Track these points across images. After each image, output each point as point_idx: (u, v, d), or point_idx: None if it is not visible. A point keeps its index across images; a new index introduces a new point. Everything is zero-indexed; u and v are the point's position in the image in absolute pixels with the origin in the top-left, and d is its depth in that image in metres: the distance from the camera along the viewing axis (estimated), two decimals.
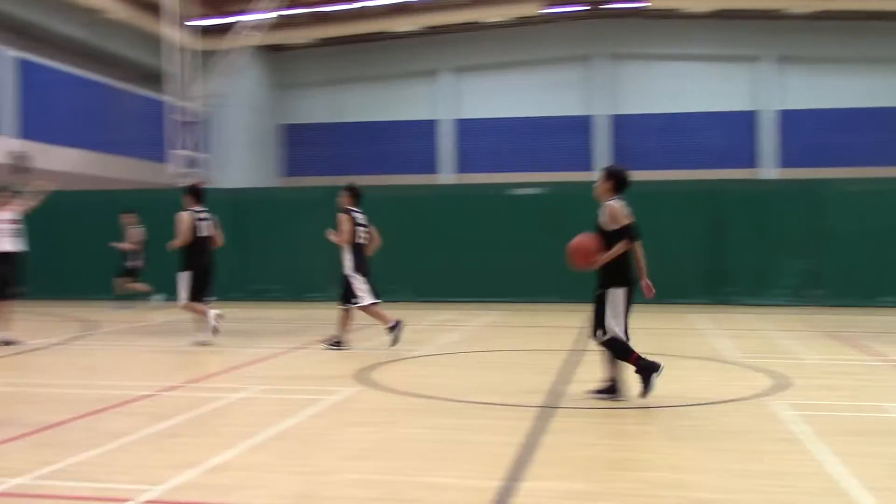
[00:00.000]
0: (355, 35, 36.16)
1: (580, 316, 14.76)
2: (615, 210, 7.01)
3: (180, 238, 10.64)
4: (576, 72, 36.47)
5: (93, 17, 31.13)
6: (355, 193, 10.50)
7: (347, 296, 10.39)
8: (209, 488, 4.70)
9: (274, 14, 31.08)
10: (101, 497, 4.53)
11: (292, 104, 40.09)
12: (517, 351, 10.65)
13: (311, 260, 18.59)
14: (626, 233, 6.95)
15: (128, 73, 35.65)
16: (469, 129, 37.72)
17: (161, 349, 10.78)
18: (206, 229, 10.86)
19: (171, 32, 29.15)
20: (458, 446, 5.68)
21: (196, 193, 10.74)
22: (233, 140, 36.94)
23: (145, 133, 33.07)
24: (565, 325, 13.76)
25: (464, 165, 37.50)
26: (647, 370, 6.90)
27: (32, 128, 28.05)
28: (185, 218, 10.65)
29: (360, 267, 10.35)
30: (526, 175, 32.67)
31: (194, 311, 10.75)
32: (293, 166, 39.68)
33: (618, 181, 7.18)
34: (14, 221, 11.01)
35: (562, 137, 36.87)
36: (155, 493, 4.58)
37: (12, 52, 27.61)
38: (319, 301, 18.12)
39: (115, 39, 33.30)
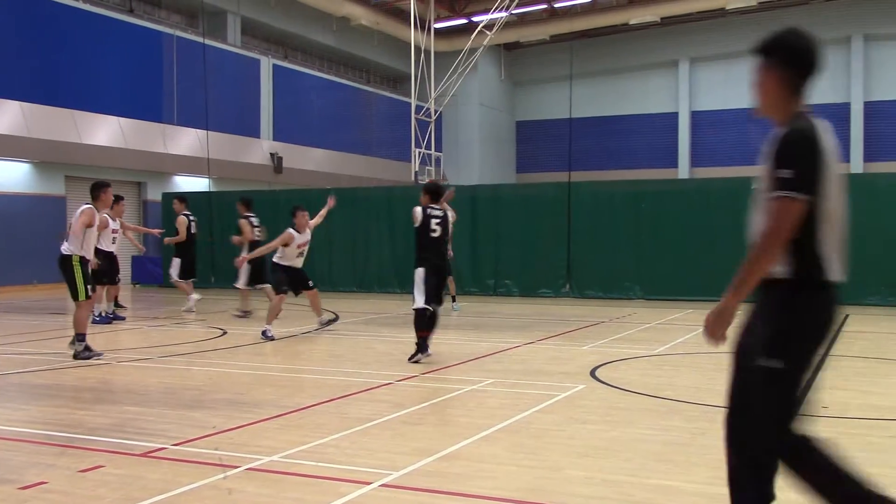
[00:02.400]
0: (589, 30, 35.90)
1: None
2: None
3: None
4: (830, 56, 34.14)
5: (343, 24, 32.98)
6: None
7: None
8: (442, 476, 4.87)
9: (508, 13, 31.46)
10: (344, 478, 4.81)
11: (526, 101, 40.48)
12: None
13: (545, 257, 18.71)
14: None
15: (374, 77, 37.54)
16: (706, 121, 36.34)
17: (399, 340, 11.27)
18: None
19: (413, 36, 30.28)
20: (692, 450, 5.51)
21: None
22: (469, 138, 37.85)
23: (389, 133, 34.64)
24: None
25: (700, 159, 36.20)
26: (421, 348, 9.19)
27: (287, 131, 30.20)
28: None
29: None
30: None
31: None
32: (527, 162, 40.06)
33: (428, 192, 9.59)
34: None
35: None
36: (392, 477, 4.82)
37: (271, 61, 29.87)
38: (552, 298, 18.21)
39: (362, 45, 35.11)
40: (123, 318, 13.93)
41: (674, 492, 4.61)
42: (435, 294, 9.53)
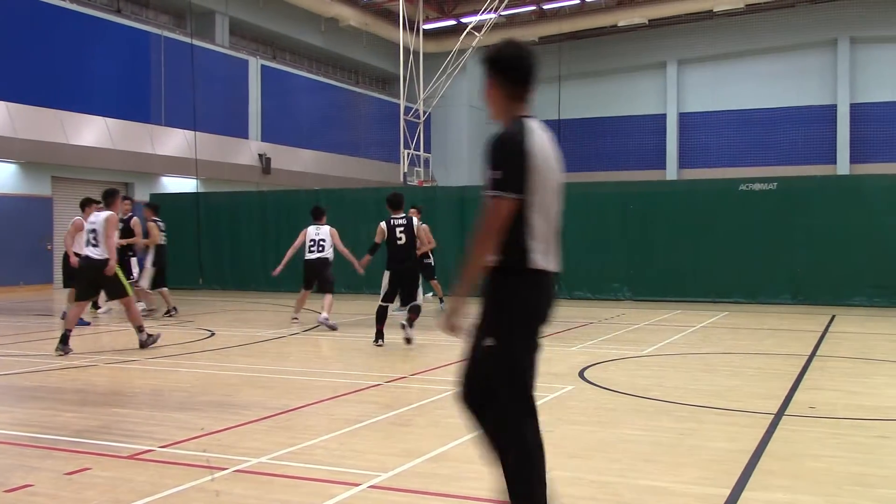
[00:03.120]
0: (577, 31, 35.99)
1: (814, 319, 13.94)
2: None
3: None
4: (816, 58, 34.31)
5: (331, 25, 32.95)
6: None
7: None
8: (430, 477, 4.87)
9: (497, 14, 31.49)
10: (333, 480, 4.80)
11: None
12: (743, 354, 10.19)
13: None
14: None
15: (363, 78, 37.51)
16: (694, 123, 36.50)
17: (388, 341, 11.24)
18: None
19: (402, 37, 30.28)
20: (680, 450, 5.53)
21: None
22: (458, 139, 37.88)
23: (378, 134, 34.62)
24: (796, 327, 13.03)
25: (688, 160, 36.34)
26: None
27: (276, 131, 30.13)
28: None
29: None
30: (756, 170, 31.24)
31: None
32: None
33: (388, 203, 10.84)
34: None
35: (798, 128, 34.81)
36: (380, 479, 4.81)
37: (259, 61, 29.81)
38: None
39: (351, 46, 35.09)
40: (88, 323, 13.69)
41: (662, 492, 4.62)
42: (395, 294, 10.88)
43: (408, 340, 10.71)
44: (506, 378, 3.61)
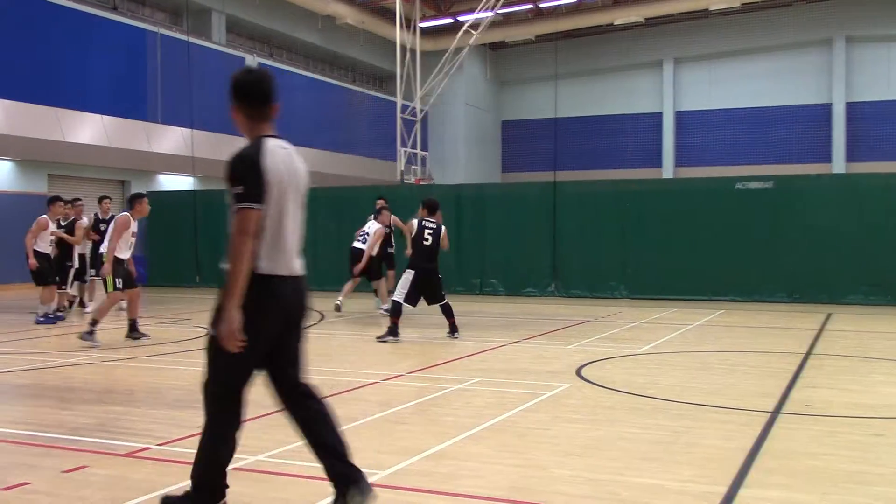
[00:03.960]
0: (574, 30, 36.00)
1: (810, 317, 13.97)
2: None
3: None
4: (812, 57, 34.37)
5: (328, 23, 32.92)
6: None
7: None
8: (428, 475, 4.88)
9: (495, 12, 31.48)
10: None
11: (512, 101, 40.53)
12: (739, 352, 10.21)
13: (530, 256, 18.77)
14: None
15: (360, 76, 37.49)
16: (690, 121, 36.53)
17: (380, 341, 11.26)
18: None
19: (399, 35, 30.25)
20: (677, 448, 5.54)
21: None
22: (454, 137, 37.87)
23: (375, 132, 34.60)
24: (792, 325, 13.07)
25: (684, 159, 36.38)
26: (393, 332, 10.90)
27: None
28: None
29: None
30: (752, 168, 31.31)
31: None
32: (513, 162, 40.12)
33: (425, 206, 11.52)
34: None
35: (794, 127, 34.89)
36: (378, 476, 4.81)
37: (256, 59, 29.77)
38: (537, 297, 18.25)
39: (347, 43, 35.06)
40: (63, 318, 13.62)
41: (659, 490, 4.63)
42: (419, 295, 11.26)
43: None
44: (222, 367, 4.01)
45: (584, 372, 8.50)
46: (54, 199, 13.83)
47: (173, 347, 10.51)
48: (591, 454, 5.38)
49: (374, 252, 14.44)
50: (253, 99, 4.15)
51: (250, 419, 6.25)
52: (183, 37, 25.04)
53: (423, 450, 5.41)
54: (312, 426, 4.17)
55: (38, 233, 13.23)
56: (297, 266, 4.12)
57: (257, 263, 3.92)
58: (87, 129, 22.75)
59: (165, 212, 22.82)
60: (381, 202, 15.03)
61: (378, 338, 11.02)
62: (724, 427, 6.16)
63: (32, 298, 14.66)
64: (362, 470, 4.17)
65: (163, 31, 25.89)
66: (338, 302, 14.57)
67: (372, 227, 14.52)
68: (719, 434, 5.93)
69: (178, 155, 25.30)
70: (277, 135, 4.18)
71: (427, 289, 11.29)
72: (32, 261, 13.08)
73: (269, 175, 3.93)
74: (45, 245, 13.42)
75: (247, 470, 4.97)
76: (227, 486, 4.18)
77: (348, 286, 14.73)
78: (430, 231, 11.33)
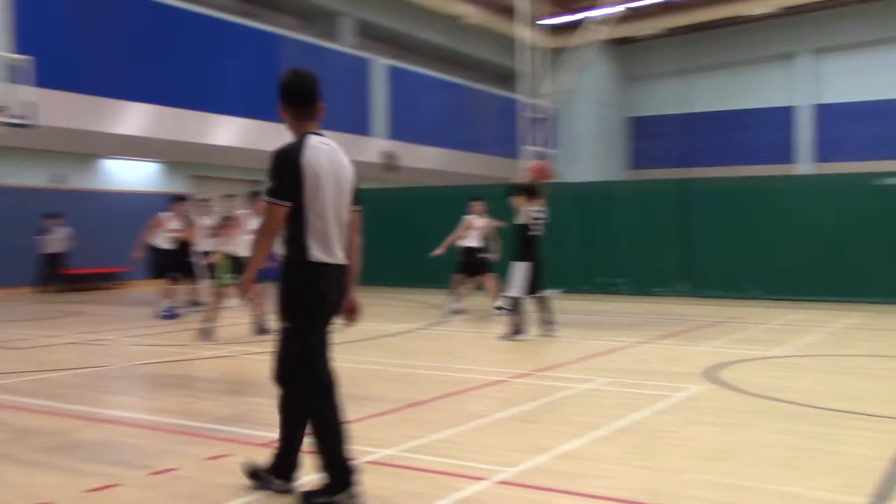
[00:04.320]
0: (705, 22, 35.01)
1: None
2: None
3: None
4: None
5: (453, 23, 33.18)
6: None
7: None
8: (557, 474, 4.87)
9: (622, 7, 30.99)
10: (459, 473, 4.87)
11: (640, 96, 39.79)
12: (882, 357, 9.72)
13: (659, 254, 18.40)
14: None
15: (483, 75, 37.61)
16: (830, 115, 34.90)
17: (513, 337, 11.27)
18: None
19: (523, 32, 30.21)
20: (817, 455, 5.34)
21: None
22: (581, 134, 37.49)
23: (499, 131, 34.66)
24: None
25: (824, 154, 34.80)
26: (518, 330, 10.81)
27: (400, 129, 30.61)
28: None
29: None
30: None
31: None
32: (641, 159, 39.39)
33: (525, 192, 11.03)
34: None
35: None
36: (507, 474, 4.84)
37: (383, 61, 30.31)
38: (666, 296, 17.87)
39: (472, 42, 35.22)
40: (178, 315, 14.02)
41: (797, 499, 4.47)
42: (534, 286, 11.07)
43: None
44: (298, 354, 4.30)
45: (716, 374, 8.28)
46: (177, 199, 14.43)
47: None
48: (725, 459, 5.25)
49: (470, 244, 14.49)
50: (298, 99, 4.46)
51: (381, 414, 6.41)
52: (313, 41, 25.75)
53: (552, 448, 5.40)
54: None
55: (154, 229, 13.92)
56: (342, 254, 4.39)
57: (308, 251, 4.23)
58: (226, 131, 23.70)
59: None
60: (477, 204, 15.11)
61: (502, 336, 11.02)
62: (866, 434, 5.89)
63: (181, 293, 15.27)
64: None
65: (294, 35, 26.70)
66: (496, 304, 14.43)
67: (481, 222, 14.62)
68: (861, 442, 5.67)
69: None
70: (321, 132, 4.47)
71: (536, 279, 11.16)
72: (138, 254, 13.73)
73: (307, 171, 4.21)
74: (163, 241, 14.04)
75: (378, 464, 5.08)
76: (353, 471, 4.32)
77: (465, 287, 14.79)
78: (539, 220, 11.16)
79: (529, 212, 11.08)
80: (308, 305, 4.27)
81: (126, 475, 4.88)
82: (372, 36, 32.08)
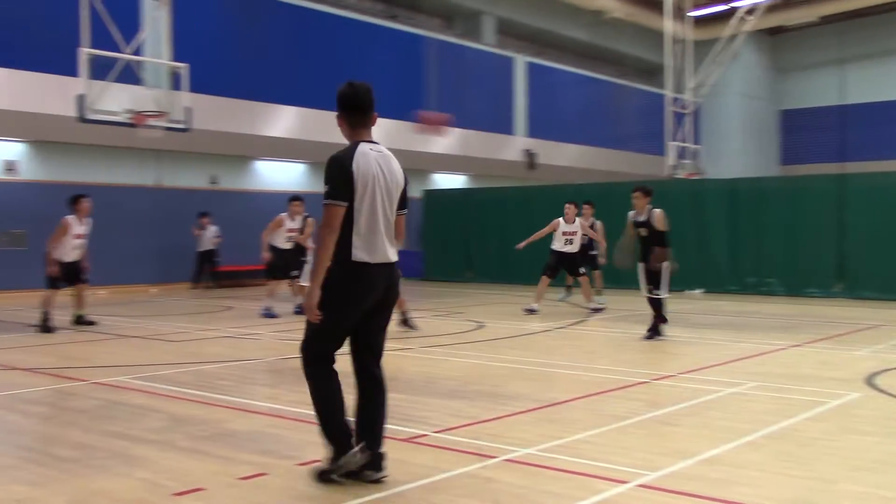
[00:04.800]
0: (861, 8, 33.15)
1: None
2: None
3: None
4: None
5: (595, 18, 32.77)
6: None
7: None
8: (701, 480, 4.72)
9: None
10: (599, 475, 4.79)
11: (792, 88, 38.11)
12: None
13: (812, 254, 17.55)
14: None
15: (627, 69, 36.96)
16: None
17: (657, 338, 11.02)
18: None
19: (668, 25, 29.49)
20: None
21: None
22: (728, 129, 36.30)
23: (643, 127, 34.00)
24: None
25: None
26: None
27: (540, 127, 30.48)
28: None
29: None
30: None
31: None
32: (793, 153, 37.73)
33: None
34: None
35: None
36: (649, 478, 4.73)
37: (524, 58, 30.27)
38: (819, 298, 17.04)
39: (615, 37, 34.69)
40: (277, 315, 13.95)
41: None
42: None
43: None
44: (313, 339, 4.73)
45: (876, 380, 7.82)
46: (294, 199, 14.76)
47: (447, 340, 10.95)
48: (885, 470, 4.95)
49: (554, 243, 14.39)
50: (353, 109, 4.80)
51: (520, 413, 6.40)
52: (455, 40, 25.99)
53: (696, 453, 5.24)
54: (370, 405, 4.78)
55: (274, 230, 14.26)
56: (388, 253, 4.68)
57: (352, 252, 4.57)
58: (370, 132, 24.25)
59: (439, 209, 23.88)
60: (586, 207, 15.63)
61: (645, 336, 10.79)
62: None
63: None
64: (385, 461, 4.71)
65: (437, 35, 27.02)
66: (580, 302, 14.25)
67: (575, 225, 14.33)
68: None
69: (450, 154, 26.32)
70: (373, 140, 4.82)
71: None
72: (266, 254, 14.11)
73: (357, 176, 4.56)
74: (282, 241, 14.38)
75: (517, 462, 5.07)
76: (352, 436, 4.68)
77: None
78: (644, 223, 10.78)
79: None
80: (337, 301, 4.58)
81: (275, 465, 5.07)
82: (513, 34, 32.08)
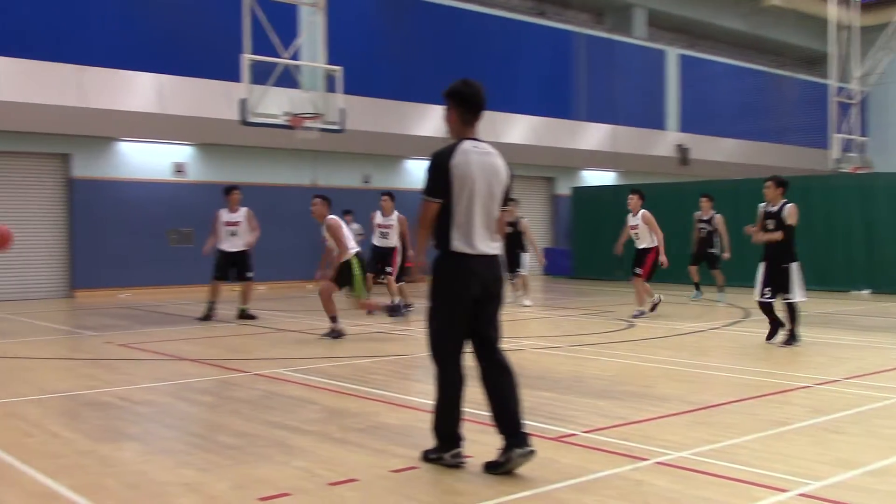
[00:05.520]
0: None
1: None
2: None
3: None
4: None
5: (753, 6, 31.58)
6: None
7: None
8: (868, 491, 4.47)
9: None
10: (756, 482, 4.61)
11: None
12: None
13: None
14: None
15: (786, 59, 35.40)
16: None
17: (818, 339, 10.51)
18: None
19: (832, 11, 28.04)
20: None
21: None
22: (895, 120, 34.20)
23: (805, 119, 32.50)
24: None
25: None
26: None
27: (693, 121, 29.63)
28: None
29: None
30: None
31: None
32: None
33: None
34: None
35: None
36: (811, 487, 4.52)
37: (676, 51, 29.51)
38: None
39: (774, 26, 33.32)
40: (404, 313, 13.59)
41: None
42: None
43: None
44: (435, 331, 4.95)
45: None
46: (385, 195, 14.82)
47: (596, 339, 10.82)
48: None
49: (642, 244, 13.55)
50: (468, 107, 4.92)
51: (673, 415, 6.24)
52: (605, 35, 25.63)
53: (864, 464, 4.96)
54: (496, 385, 4.90)
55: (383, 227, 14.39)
56: (486, 246, 4.86)
57: (451, 243, 4.80)
58: (518, 129, 24.27)
59: (588, 207, 23.62)
60: (704, 200, 15.42)
61: (782, 342, 9.97)
62: None
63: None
64: (529, 437, 4.84)
65: (586, 31, 26.73)
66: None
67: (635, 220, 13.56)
68: None
69: (600, 151, 25.99)
70: (478, 137, 4.96)
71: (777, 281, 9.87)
72: (410, 253, 14.20)
73: (455, 172, 4.74)
74: (376, 239, 14.44)
75: (669, 465, 4.95)
76: (461, 437, 4.94)
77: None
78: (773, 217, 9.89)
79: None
80: (445, 290, 4.85)
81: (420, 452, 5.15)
82: (664, 26, 31.35)
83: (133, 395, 7.29)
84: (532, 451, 4.75)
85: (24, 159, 18.04)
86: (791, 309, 9.86)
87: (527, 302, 15.17)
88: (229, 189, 13.50)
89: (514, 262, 14.93)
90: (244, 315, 13.29)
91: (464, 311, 4.85)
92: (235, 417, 6.38)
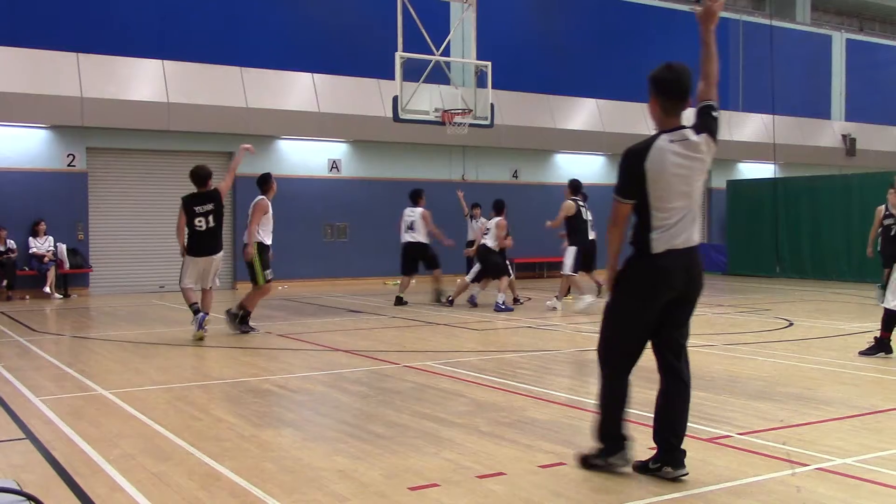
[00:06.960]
0: None
1: None
2: None
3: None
4: None
5: None
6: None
7: None
8: None
9: None
10: None
11: None
12: None
13: None
14: None
15: None
16: None
17: None
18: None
19: None
20: None
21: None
22: None
23: None
24: None
25: None
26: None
27: (861, 109, 28.05)
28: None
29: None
30: None
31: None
32: None
33: None
34: None
35: None
36: None
37: (843, 35, 28.00)
38: None
39: None
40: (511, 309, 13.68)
41: None
42: None
43: None
44: (610, 330, 4.73)
45: None
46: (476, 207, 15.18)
47: (752, 338, 10.43)
48: None
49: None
50: (671, 95, 4.52)
51: (836, 419, 5.94)
52: (765, 21, 24.59)
53: None
54: (669, 400, 4.66)
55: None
56: (688, 240, 4.51)
57: (650, 245, 4.48)
58: None
59: (744, 200, 22.75)
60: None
61: (862, 352, 8.99)
62: None
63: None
64: (685, 457, 4.61)
65: (745, 17, 25.74)
66: None
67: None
68: None
69: (758, 142, 25.00)
70: (682, 126, 4.53)
71: None
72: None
73: (650, 172, 4.42)
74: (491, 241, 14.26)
75: (833, 472, 4.72)
76: (626, 438, 4.73)
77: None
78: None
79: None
80: (634, 293, 4.57)
81: (574, 456, 5.11)
82: (830, 9, 29.80)
83: (290, 384, 7.60)
84: (685, 474, 4.55)
85: (195, 158, 19.05)
86: (887, 317, 8.76)
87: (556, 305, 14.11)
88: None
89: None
90: (440, 299, 14.82)
91: (646, 322, 4.59)
92: (387, 408, 6.53)
